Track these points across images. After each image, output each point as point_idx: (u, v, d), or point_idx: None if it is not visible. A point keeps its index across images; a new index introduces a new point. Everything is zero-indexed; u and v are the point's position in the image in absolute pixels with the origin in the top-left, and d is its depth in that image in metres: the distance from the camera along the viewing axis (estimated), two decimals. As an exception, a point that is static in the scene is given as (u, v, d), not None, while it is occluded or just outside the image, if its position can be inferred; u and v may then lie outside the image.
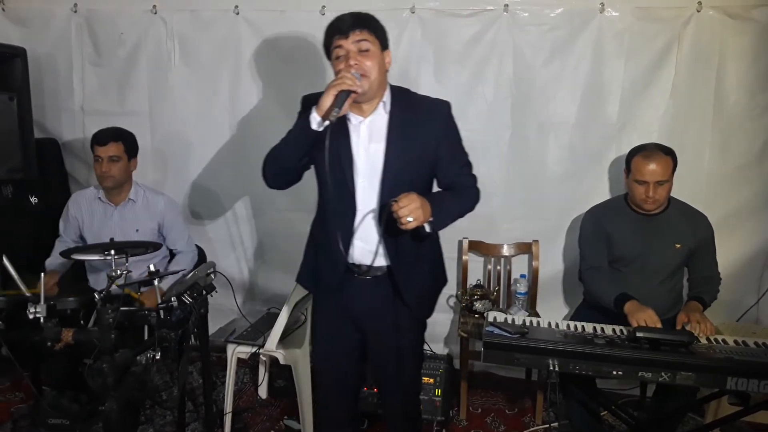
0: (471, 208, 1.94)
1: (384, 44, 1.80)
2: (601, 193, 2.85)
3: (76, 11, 3.17)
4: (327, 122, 1.65)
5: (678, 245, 2.43)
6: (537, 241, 2.98)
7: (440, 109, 1.87)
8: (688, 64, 2.72)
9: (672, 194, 2.46)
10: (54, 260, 2.75)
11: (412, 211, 1.64)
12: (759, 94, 2.72)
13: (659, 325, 2.18)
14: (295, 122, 1.87)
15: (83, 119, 3.30)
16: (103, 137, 2.65)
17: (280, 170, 1.85)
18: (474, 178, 1.95)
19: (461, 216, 1.90)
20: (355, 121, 1.82)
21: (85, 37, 3.20)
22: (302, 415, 2.57)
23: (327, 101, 1.66)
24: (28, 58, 2.94)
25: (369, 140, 1.82)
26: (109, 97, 3.26)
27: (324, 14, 2.90)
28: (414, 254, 1.88)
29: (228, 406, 2.67)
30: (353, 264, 1.88)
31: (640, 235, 2.46)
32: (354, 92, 1.67)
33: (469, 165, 1.95)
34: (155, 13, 3.09)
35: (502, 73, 2.86)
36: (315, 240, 2.01)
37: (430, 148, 1.84)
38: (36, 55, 3.12)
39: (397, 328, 1.93)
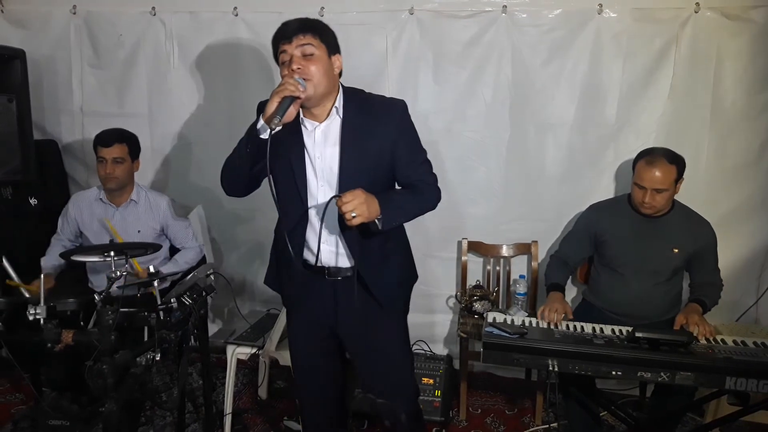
0: (431, 206, 1.91)
1: (332, 49, 1.78)
2: (599, 193, 2.85)
3: (75, 13, 3.17)
4: (271, 126, 1.63)
5: (676, 250, 2.43)
6: (536, 241, 2.98)
7: (394, 109, 1.85)
8: (686, 65, 2.72)
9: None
10: (49, 260, 2.75)
11: (355, 207, 1.62)
12: (757, 95, 2.73)
13: (555, 321, 2.23)
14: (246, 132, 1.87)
15: (82, 121, 3.30)
16: (107, 138, 2.65)
17: (235, 179, 1.85)
18: (433, 177, 1.93)
19: (418, 214, 1.88)
20: (310, 126, 1.82)
21: (84, 38, 3.20)
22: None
23: (272, 107, 1.65)
24: (28, 60, 2.94)
25: (324, 144, 1.81)
26: (109, 99, 3.26)
27: (323, 15, 2.90)
28: (380, 254, 1.88)
29: (228, 407, 2.67)
30: (321, 267, 1.87)
31: (637, 236, 2.46)
32: (297, 98, 1.67)
33: (427, 163, 1.92)
34: (154, 14, 3.10)
35: (500, 75, 2.87)
36: (276, 246, 2.03)
37: (385, 149, 1.83)
38: (35, 56, 3.12)
39: (373, 327, 1.93)
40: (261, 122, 1.69)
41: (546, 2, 2.78)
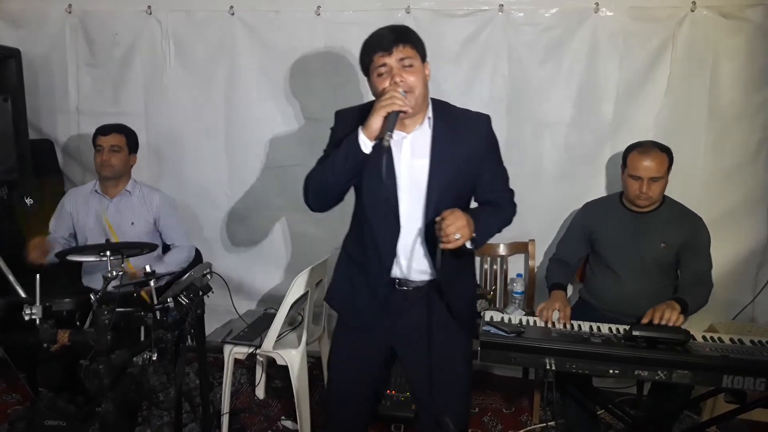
0: (509, 222, 1.92)
1: (424, 56, 1.76)
2: (596, 192, 2.86)
3: (70, 12, 3.16)
4: (384, 143, 1.59)
5: (663, 244, 2.42)
6: (533, 240, 2.98)
7: (482, 124, 1.85)
8: (683, 63, 2.73)
9: (667, 193, 2.47)
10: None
11: (459, 229, 1.62)
12: (753, 94, 2.73)
13: (552, 320, 2.21)
14: (329, 141, 1.86)
15: (78, 120, 3.29)
16: (106, 128, 2.71)
17: (326, 193, 1.80)
18: (512, 193, 1.94)
19: (500, 231, 1.89)
20: (397, 137, 1.75)
21: (80, 37, 3.20)
22: (299, 415, 2.57)
23: (376, 123, 1.63)
24: (23, 59, 2.93)
25: (412, 156, 1.78)
26: (104, 98, 3.25)
27: (319, 14, 2.91)
28: (456, 269, 1.86)
29: (225, 406, 2.67)
30: (397, 280, 1.85)
31: (628, 233, 2.46)
32: (404, 112, 1.65)
33: (507, 180, 1.93)
34: (150, 13, 3.09)
35: (497, 73, 2.87)
36: (350, 259, 1.96)
37: (473, 163, 1.82)
38: (30, 56, 3.12)
39: (441, 343, 1.87)
40: (363, 138, 1.65)
41: (543, 1, 2.78)
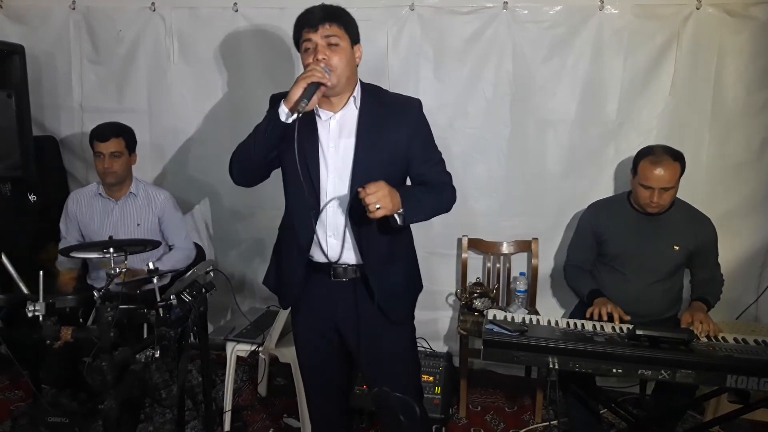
0: (447, 207, 1.89)
1: (354, 39, 1.77)
2: (600, 190, 2.85)
3: (74, 8, 3.16)
4: (295, 115, 1.62)
5: (677, 247, 2.42)
6: (536, 238, 2.98)
7: (411, 107, 1.84)
8: (688, 61, 2.72)
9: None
10: (64, 260, 2.73)
11: (380, 199, 1.60)
12: (757, 92, 2.72)
13: (616, 321, 2.22)
14: (263, 119, 1.85)
15: (82, 116, 3.29)
16: (103, 133, 2.64)
17: (247, 166, 1.82)
18: (448, 176, 1.91)
19: (436, 213, 1.86)
20: (324, 116, 1.80)
21: (84, 34, 3.19)
22: (302, 413, 2.57)
23: (296, 93, 1.64)
24: (27, 56, 2.93)
25: (339, 135, 1.80)
26: (108, 94, 3.25)
27: (323, 11, 2.89)
28: (387, 253, 1.85)
29: (227, 404, 2.67)
30: (328, 263, 1.84)
31: (638, 234, 2.46)
32: (323, 85, 1.66)
33: (442, 162, 1.91)
34: (154, 10, 3.08)
35: (501, 71, 2.86)
36: (280, 242, 2.00)
37: (401, 146, 1.81)
38: (34, 52, 3.11)
39: (377, 333, 1.88)
40: (283, 108, 1.66)
41: (547, -2, 2.77)
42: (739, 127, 2.76)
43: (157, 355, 1.83)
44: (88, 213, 2.75)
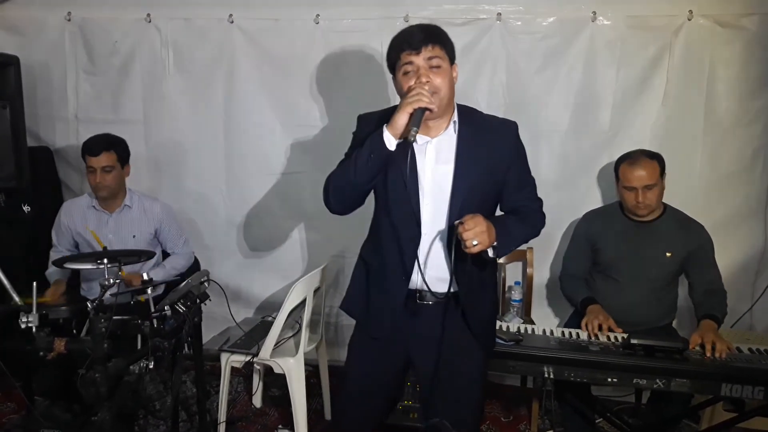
0: (537, 233, 1.87)
1: (452, 58, 1.73)
2: (593, 200, 2.87)
3: (70, 20, 3.17)
4: (410, 138, 1.57)
5: (669, 254, 2.43)
6: (531, 248, 2.98)
7: (509, 130, 1.81)
8: (680, 72, 2.74)
9: (664, 201, 2.47)
10: (54, 271, 2.73)
11: (477, 235, 1.57)
12: (749, 102, 2.74)
13: (606, 331, 2.21)
14: (350, 145, 1.82)
15: (77, 127, 3.29)
16: (94, 147, 2.63)
17: (348, 195, 1.76)
18: (540, 202, 1.89)
19: (525, 241, 1.85)
20: (420, 141, 1.73)
21: (79, 45, 3.20)
22: (296, 424, 2.55)
23: (402, 119, 1.60)
24: (22, 67, 2.93)
25: (436, 161, 1.74)
26: (103, 105, 3.25)
27: (318, 23, 2.92)
28: (478, 280, 1.81)
29: (222, 415, 2.66)
30: (418, 290, 1.79)
31: (630, 242, 2.47)
32: (429, 110, 1.61)
33: (534, 188, 1.89)
34: (149, 21, 3.10)
35: (495, 81, 2.88)
36: (368, 266, 1.92)
37: (499, 170, 1.78)
38: (30, 63, 3.12)
39: (458, 357, 1.82)
40: (388, 135, 1.62)
41: (540, 10, 2.80)
42: (732, 136, 2.78)
43: (151, 366, 1.83)
44: (81, 226, 2.75)
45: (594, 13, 2.74)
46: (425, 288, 1.75)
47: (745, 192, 2.83)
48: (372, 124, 1.74)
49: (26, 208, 3.04)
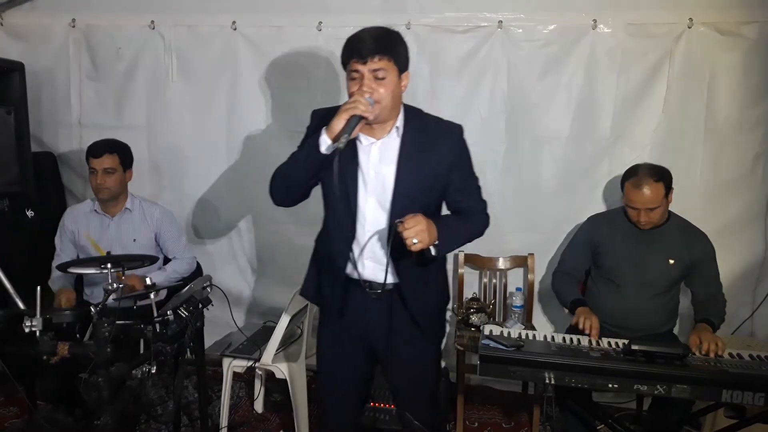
0: (480, 234, 1.93)
1: (402, 67, 1.76)
2: (594, 206, 2.87)
3: (74, 26, 3.19)
4: (339, 145, 1.63)
5: (672, 261, 2.43)
6: (532, 254, 2.99)
7: (452, 133, 1.86)
8: (680, 79, 2.75)
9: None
10: (57, 278, 2.74)
11: (417, 233, 1.62)
12: (749, 109, 2.75)
13: (595, 335, 2.23)
14: (302, 139, 1.88)
15: (80, 133, 3.30)
16: (97, 149, 2.66)
17: (287, 190, 1.85)
18: (484, 203, 1.94)
19: (469, 240, 1.90)
20: (366, 142, 1.81)
21: (83, 51, 3.22)
22: (298, 429, 2.56)
23: (338, 125, 1.66)
24: (26, 73, 2.95)
25: (380, 162, 1.81)
26: (107, 111, 3.27)
27: (321, 30, 2.94)
28: (422, 276, 1.87)
29: (224, 420, 2.66)
30: (363, 281, 1.86)
31: (633, 248, 2.47)
32: (365, 118, 1.67)
33: (478, 189, 1.93)
34: (153, 28, 3.12)
35: (496, 88, 2.89)
36: (317, 255, 2.03)
37: (441, 172, 1.83)
38: (34, 69, 3.14)
39: (409, 347, 1.92)
40: (324, 137, 1.68)
41: (541, 18, 2.82)
42: (732, 143, 2.79)
43: (153, 371, 1.84)
44: (84, 229, 2.76)
45: (595, 20, 2.76)
46: (374, 281, 1.85)
47: (746, 199, 2.84)
48: (324, 119, 1.79)
49: (30, 213, 3.05)
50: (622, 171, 2.71)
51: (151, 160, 3.25)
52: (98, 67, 3.24)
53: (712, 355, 2.09)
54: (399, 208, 1.76)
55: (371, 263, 1.86)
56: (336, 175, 1.65)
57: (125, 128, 3.16)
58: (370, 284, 1.87)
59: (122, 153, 2.72)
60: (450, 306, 3.08)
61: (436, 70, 2.92)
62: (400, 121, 1.82)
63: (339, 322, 1.95)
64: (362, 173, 1.81)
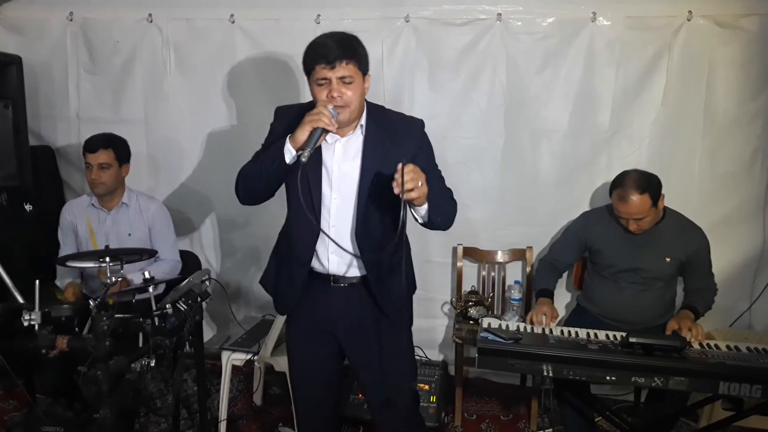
0: (454, 215, 1.93)
1: (365, 70, 1.79)
2: (593, 199, 2.88)
3: (71, 20, 3.18)
4: (302, 158, 1.63)
5: (668, 258, 2.44)
6: (531, 247, 2.99)
7: (414, 127, 1.90)
8: (679, 72, 2.75)
9: (665, 202, 2.48)
10: (64, 272, 2.75)
11: (415, 181, 1.60)
12: (748, 102, 2.75)
13: (547, 326, 2.29)
14: (266, 137, 1.91)
15: (78, 126, 3.30)
16: (93, 144, 2.65)
17: (252, 191, 1.88)
18: (450, 191, 1.95)
19: (445, 218, 1.88)
20: (330, 140, 1.84)
21: (81, 45, 3.21)
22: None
23: (302, 136, 1.68)
24: (24, 66, 2.95)
25: (344, 158, 1.84)
26: (105, 105, 3.26)
27: (319, 23, 2.93)
28: (389, 265, 1.89)
29: (222, 413, 2.67)
30: (328, 275, 1.91)
31: (629, 245, 2.48)
32: (327, 131, 1.70)
33: (442, 180, 1.95)
34: (151, 21, 3.11)
35: (495, 81, 2.89)
36: (279, 250, 2.06)
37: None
38: (31, 63, 3.13)
39: (378, 337, 1.94)
40: (289, 146, 1.71)
41: (540, 10, 2.81)
42: (731, 136, 2.79)
43: (152, 365, 1.84)
44: (82, 224, 2.76)
45: (594, 13, 2.75)
46: (340, 275, 1.90)
47: (744, 192, 2.84)
48: (287, 117, 1.83)
49: (28, 207, 3.05)
50: (620, 164, 2.73)
51: (149, 154, 3.24)
52: (96, 61, 3.23)
53: (693, 341, 2.16)
54: (364, 203, 1.80)
55: (335, 257, 1.88)
56: (299, 182, 1.65)
57: (123, 122, 3.16)
58: (335, 278, 1.90)
59: (118, 148, 2.71)
60: (449, 299, 3.11)
61: (434, 63, 2.92)
62: (363, 119, 1.85)
63: (304, 314, 1.98)
64: (326, 170, 1.84)
